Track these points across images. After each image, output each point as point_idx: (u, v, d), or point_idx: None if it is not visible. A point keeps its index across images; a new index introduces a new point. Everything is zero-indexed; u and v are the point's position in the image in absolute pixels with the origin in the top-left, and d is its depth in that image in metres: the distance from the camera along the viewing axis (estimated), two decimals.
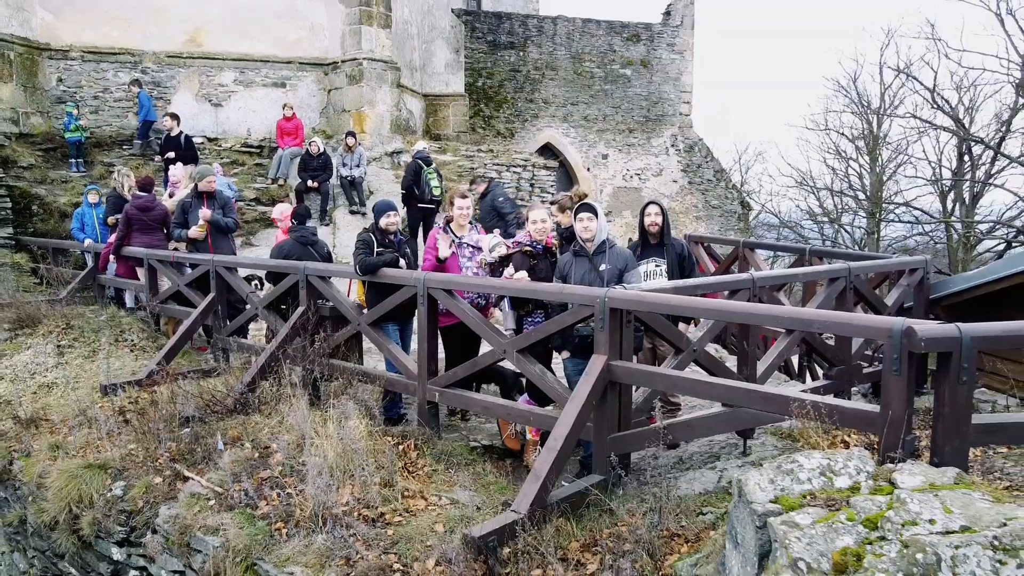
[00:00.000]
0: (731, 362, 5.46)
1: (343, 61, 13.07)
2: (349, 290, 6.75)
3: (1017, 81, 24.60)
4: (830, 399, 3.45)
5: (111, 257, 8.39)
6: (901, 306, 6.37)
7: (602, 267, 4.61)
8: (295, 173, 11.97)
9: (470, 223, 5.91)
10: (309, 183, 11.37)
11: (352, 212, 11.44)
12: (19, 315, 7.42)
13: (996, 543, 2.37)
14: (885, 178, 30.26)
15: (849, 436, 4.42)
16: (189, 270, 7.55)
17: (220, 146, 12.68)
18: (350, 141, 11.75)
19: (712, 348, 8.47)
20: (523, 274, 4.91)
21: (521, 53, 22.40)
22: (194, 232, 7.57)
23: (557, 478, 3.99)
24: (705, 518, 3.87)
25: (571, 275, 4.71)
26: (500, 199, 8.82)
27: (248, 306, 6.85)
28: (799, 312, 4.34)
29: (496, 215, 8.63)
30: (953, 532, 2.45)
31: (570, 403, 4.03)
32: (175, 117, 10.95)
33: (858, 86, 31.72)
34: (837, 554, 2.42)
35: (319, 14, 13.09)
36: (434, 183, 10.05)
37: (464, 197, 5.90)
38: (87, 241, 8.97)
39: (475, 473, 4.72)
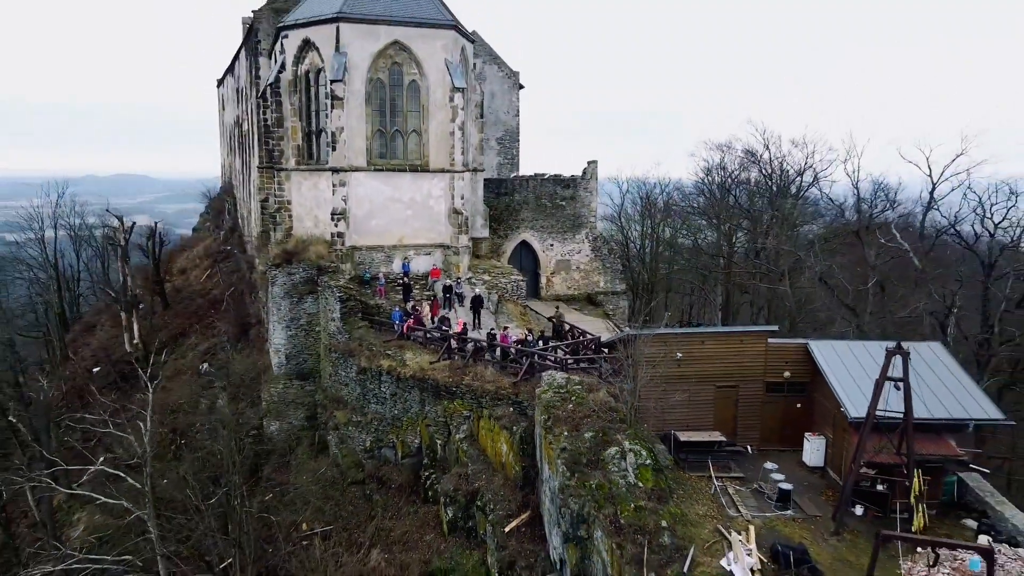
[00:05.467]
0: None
1: (450, 246, 36.71)
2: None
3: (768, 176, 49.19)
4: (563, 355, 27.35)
5: (408, 324, 32.00)
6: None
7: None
8: (439, 290, 35.58)
9: (508, 331, 29.83)
10: (448, 297, 34.95)
11: (461, 307, 35.08)
12: (401, 346, 31.20)
13: None
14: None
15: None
16: (436, 333, 31.26)
17: (409, 280, 36.21)
18: (460, 279, 35.36)
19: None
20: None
21: (509, 197, 46.00)
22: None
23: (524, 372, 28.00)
24: None
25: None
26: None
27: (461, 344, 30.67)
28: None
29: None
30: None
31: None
32: (407, 277, 34.53)
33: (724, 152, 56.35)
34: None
35: (442, 227, 36.71)
36: (480, 290, 33.92)
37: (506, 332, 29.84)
38: (396, 323, 32.57)
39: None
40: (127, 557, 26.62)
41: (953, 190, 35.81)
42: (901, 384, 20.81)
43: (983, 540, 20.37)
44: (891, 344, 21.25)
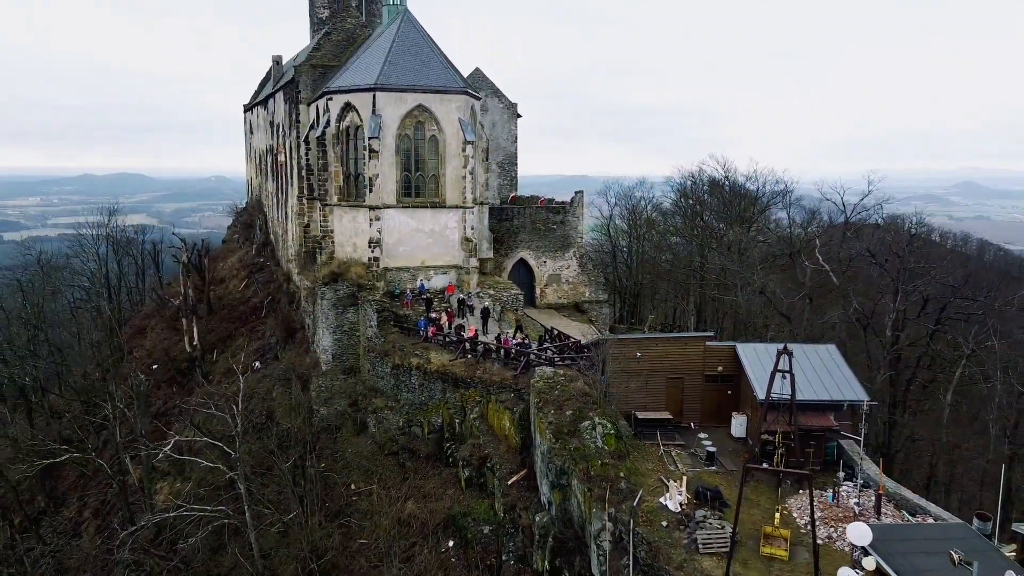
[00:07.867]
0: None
1: (462, 267, 45.41)
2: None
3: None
4: (548, 354, 36.08)
5: (431, 331, 40.74)
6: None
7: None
8: (454, 303, 44.27)
9: (509, 336, 38.59)
10: (461, 308, 43.63)
11: (471, 316, 43.75)
12: (425, 348, 39.92)
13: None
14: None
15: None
16: (454, 338, 40.00)
17: (430, 294, 44.92)
18: (471, 294, 44.04)
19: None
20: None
21: (509, 222, 54.73)
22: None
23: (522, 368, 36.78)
24: None
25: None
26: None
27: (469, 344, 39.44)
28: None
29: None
30: None
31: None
32: (428, 291, 43.22)
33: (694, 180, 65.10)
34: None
35: (456, 252, 45.42)
36: (487, 303, 42.70)
37: (510, 336, 38.63)
38: (421, 329, 41.23)
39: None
40: (221, 508, 35.36)
41: (864, 222, 44.63)
42: (788, 375, 29.57)
43: (846, 484, 29.27)
44: (780, 345, 30.02)
